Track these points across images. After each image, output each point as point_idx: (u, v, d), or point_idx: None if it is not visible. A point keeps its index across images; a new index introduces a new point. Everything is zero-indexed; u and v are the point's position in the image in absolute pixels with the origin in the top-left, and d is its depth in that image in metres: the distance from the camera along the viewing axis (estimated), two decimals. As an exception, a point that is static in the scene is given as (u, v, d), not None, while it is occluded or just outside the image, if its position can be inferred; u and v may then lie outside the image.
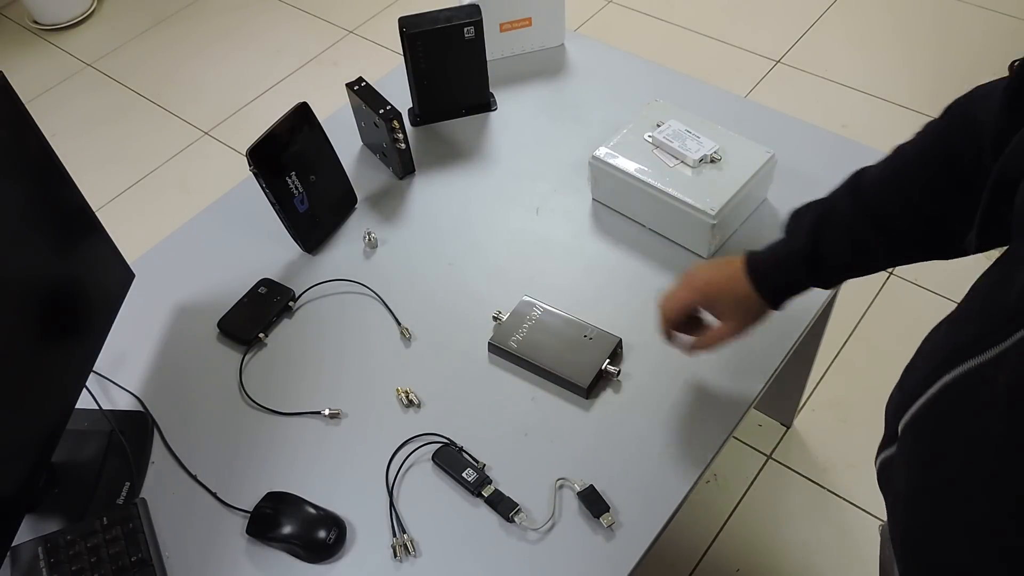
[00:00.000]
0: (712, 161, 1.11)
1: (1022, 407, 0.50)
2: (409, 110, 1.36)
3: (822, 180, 1.19)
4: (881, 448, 0.69)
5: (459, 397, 1.01)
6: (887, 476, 0.68)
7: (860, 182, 0.81)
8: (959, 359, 0.57)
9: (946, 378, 0.58)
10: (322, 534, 0.89)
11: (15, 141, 0.89)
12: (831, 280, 0.87)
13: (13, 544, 0.87)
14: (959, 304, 0.63)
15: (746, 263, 0.89)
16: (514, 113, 1.36)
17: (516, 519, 0.89)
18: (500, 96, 1.38)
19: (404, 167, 1.26)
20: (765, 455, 1.68)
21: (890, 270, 1.94)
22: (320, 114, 1.17)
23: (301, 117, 1.13)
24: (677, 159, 1.12)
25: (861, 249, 0.81)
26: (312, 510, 0.91)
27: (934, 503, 0.61)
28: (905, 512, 0.65)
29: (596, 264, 1.13)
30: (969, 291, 0.62)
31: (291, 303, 1.11)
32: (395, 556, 0.89)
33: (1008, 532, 0.53)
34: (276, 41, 2.78)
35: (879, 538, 0.89)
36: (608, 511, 0.88)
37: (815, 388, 1.76)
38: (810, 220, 0.84)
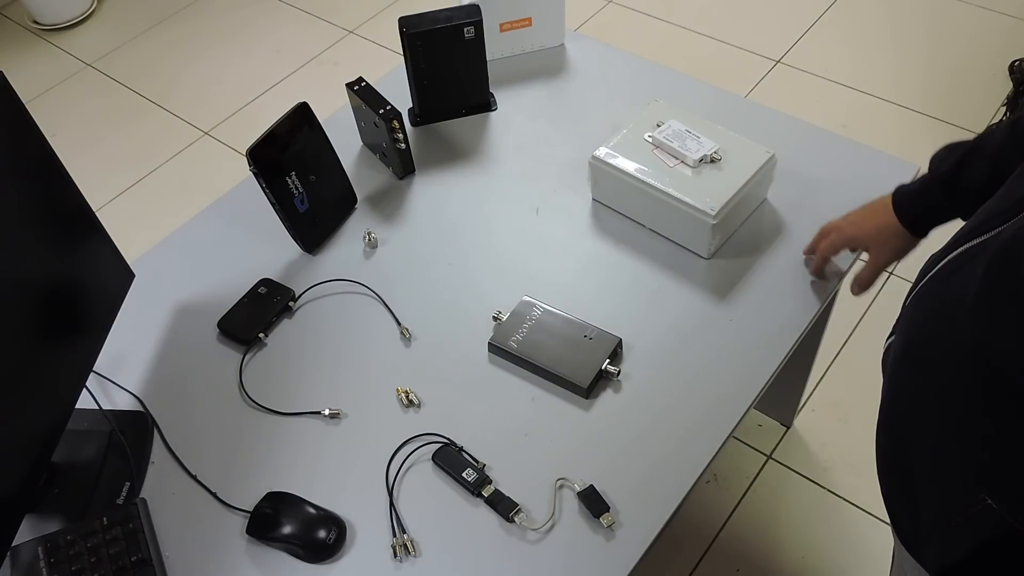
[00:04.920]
0: (712, 161, 1.11)
1: (998, 267, 0.54)
2: (409, 110, 1.36)
3: (822, 180, 1.20)
4: (889, 335, 0.72)
5: (459, 397, 1.01)
6: (887, 357, 0.71)
7: (1022, 118, 0.81)
8: (965, 240, 0.62)
9: (950, 256, 0.63)
10: (322, 534, 0.89)
11: (15, 141, 0.89)
12: (968, 207, 0.87)
13: (13, 544, 0.87)
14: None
15: (893, 192, 0.94)
16: (514, 113, 1.36)
17: (516, 519, 0.89)
18: (500, 96, 1.38)
19: (404, 167, 1.26)
20: (765, 455, 1.68)
21: (890, 270, 1.94)
22: (320, 114, 1.17)
23: (301, 117, 1.13)
24: (677, 159, 1.12)
25: (1000, 179, 0.81)
26: (312, 510, 0.91)
27: (914, 366, 0.65)
28: (888, 377, 0.68)
29: (596, 264, 1.13)
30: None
31: (291, 303, 1.11)
32: (395, 556, 0.89)
33: (973, 399, 0.57)
34: (276, 41, 2.78)
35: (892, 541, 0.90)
36: (608, 511, 0.88)
37: (815, 388, 1.76)
38: (963, 150, 0.85)
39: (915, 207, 0.93)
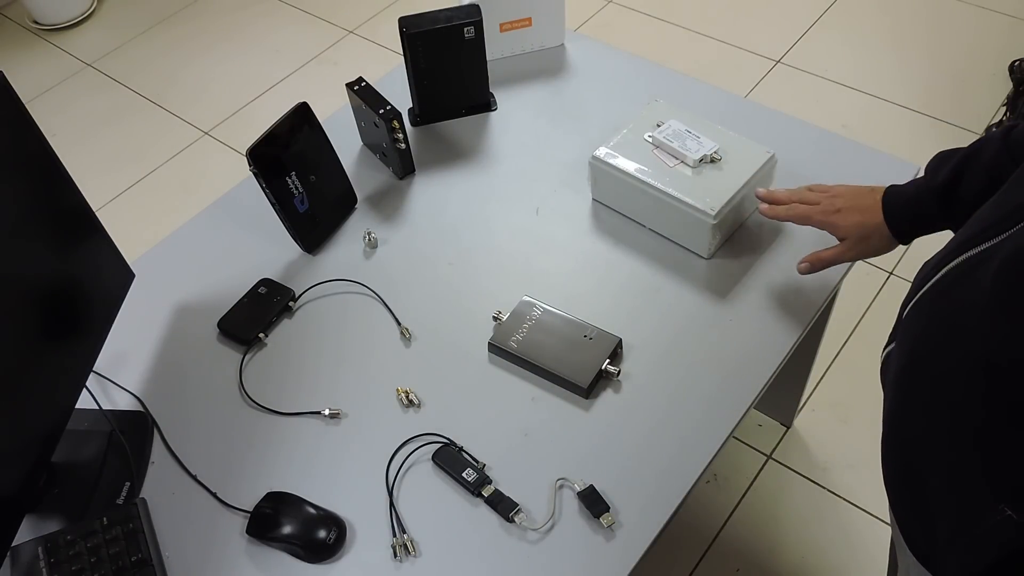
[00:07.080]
0: (712, 161, 1.11)
1: (1009, 277, 0.53)
2: (409, 110, 1.36)
3: (822, 180, 1.20)
4: (887, 344, 0.71)
5: (459, 397, 1.01)
6: (887, 367, 0.70)
7: (1014, 127, 0.81)
8: (964, 249, 0.61)
9: (950, 265, 0.62)
10: (322, 534, 0.89)
11: (15, 141, 0.89)
12: (959, 220, 0.85)
13: (13, 544, 0.87)
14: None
15: (885, 193, 0.92)
16: (514, 113, 1.36)
17: (516, 519, 0.89)
18: (500, 96, 1.38)
19: (404, 167, 1.26)
20: (765, 455, 1.68)
21: (890, 270, 1.94)
22: (320, 114, 1.17)
23: (301, 117, 1.13)
24: (677, 159, 1.12)
25: (995, 191, 0.81)
26: (312, 510, 0.91)
27: (920, 379, 0.64)
28: (893, 390, 0.67)
29: (596, 264, 1.13)
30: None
31: (291, 303, 1.11)
32: (395, 556, 0.89)
33: (987, 411, 0.57)
34: (276, 41, 2.78)
35: (888, 541, 0.89)
36: (608, 511, 0.88)
37: (815, 388, 1.76)
38: (957, 160, 0.84)
39: (907, 215, 0.91)
